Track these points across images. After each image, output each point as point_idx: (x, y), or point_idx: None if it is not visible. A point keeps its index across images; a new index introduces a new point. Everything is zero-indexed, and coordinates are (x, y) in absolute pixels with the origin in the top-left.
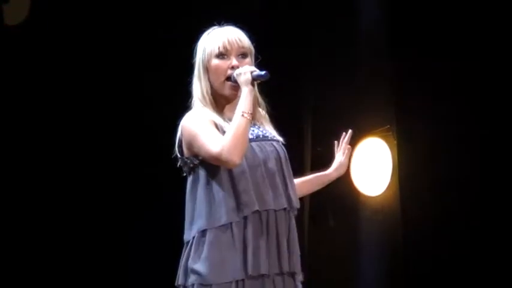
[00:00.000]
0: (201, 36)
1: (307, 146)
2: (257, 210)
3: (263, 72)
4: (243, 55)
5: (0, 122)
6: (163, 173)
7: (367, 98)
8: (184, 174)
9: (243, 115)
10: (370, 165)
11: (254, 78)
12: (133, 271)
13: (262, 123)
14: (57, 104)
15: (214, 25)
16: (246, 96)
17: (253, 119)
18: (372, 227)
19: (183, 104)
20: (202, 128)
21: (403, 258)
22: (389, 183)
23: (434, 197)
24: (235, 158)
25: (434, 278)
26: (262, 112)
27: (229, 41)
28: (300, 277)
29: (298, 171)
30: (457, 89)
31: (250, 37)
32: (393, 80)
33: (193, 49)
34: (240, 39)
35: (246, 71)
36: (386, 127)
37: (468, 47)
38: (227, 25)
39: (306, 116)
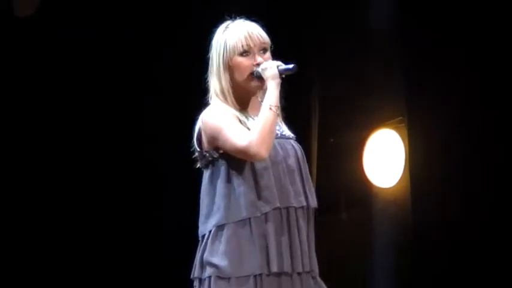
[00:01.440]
0: (213, 30)
1: (315, 138)
2: (278, 207)
3: (291, 66)
4: (264, 50)
5: (6, 115)
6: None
7: (380, 88)
8: (198, 166)
9: (270, 108)
10: (382, 157)
11: (281, 72)
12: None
13: (278, 123)
14: (66, 97)
15: (227, 19)
16: (273, 90)
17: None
18: (385, 218)
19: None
20: (227, 122)
21: (415, 250)
22: (402, 175)
23: (446, 189)
24: (263, 151)
25: (445, 270)
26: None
27: (252, 37)
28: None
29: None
30: (471, 80)
31: (264, 24)
32: (406, 71)
33: (208, 44)
34: (261, 35)
35: (272, 65)
36: (399, 118)
37: (482, 37)
38: (239, 18)
39: (315, 107)
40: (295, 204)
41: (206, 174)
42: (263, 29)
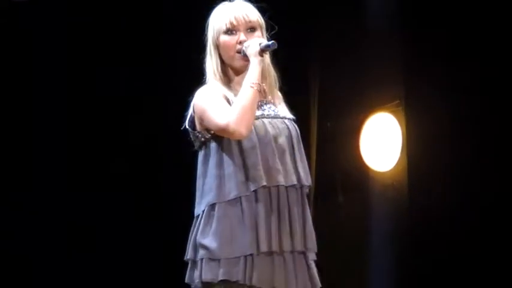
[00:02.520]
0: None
1: (314, 121)
2: (266, 186)
3: (270, 42)
4: (251, 29)
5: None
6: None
7: (377, 72)
8: (195, 149)
9: (250, 86)
10: (379, 141)
11: (262, 49)
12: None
13: (275, 102)
14: (64, 80)
15: (225, 0)
16: (254, 67)
17: (266, 96)
18: (382, 202)
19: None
20: (212, 101)
21: (412, 234)
22: (399, 159)
23: (443, 173)
24: (242, 128)
25: (443, 253)
26: (277, 92)
27: (236, 16)
28: (312, 255)
29: (305, 146)
30: (469, 65)
31: (261, 8)
32: (403, 54)
33: (204, 26)
34: (247, 14)
35: (255, 43)
36: (396, 102)
37: (481, 21)
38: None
39: (313, 91)
40: (283, 183)
41: (200, 155)
42: (262, 10)
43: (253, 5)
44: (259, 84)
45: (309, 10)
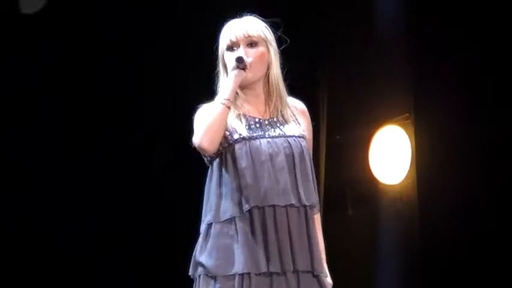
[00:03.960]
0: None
1: (323, 134)
2: (259, 206)
3: (236, 56)
4: (252, 44)
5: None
6: None
7: (386, 85)
8: (207, 165)
9: (220, 102)
10: (389, 154)
11: (236, 64)
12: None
13: (285, 120)
14: (72, 94)
15: (235, 17)
16: (228, 82)
17: (273, 115)
18: (391, 215)
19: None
20: (199, 119)
21: (421, 247)
22: (408, 172)
23: (452, 186)
24: (204, 143)
25: (452, 267)
26: (288, 108)
27: (235, 33)
28: (325, 278)
29: (314, 159)
30: (477, 77)
31: (274, 23)
32: (412, 67)
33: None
34: (246, 30)
35: (233, 58)
36: (405, 115)
37: (489, 33)
38: (246, 15)
39: (322, 104)
40: (279, 203)
41: (209, 172)
42: (271, 26)
43: (265, 20)
44: (229, 100)
45: (318, 23)
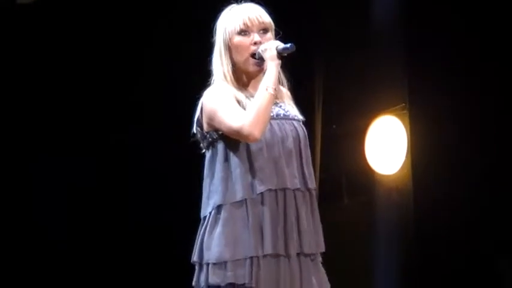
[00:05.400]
0: (219, 14)
1: (319, 124)
2: (272, 189)
3: (288, 45)
4: (264, 30)
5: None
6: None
7: (382, 75)
8: (203, 151)
9: (267, 89)
10: (384, 144)
11: (279, 52)
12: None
13: (284, 102)
14: (70, 84)
15: (233, 3)
16: (271, 71)
17: (276, 97)
18: (386, 205)
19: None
20: (224, 102)
21: (417, 237)
22: (404, 162)
23: (447, 176)
24: (256, 132)
25: (447, 257)
26: (284, 90)
27: (250, 17)
28: (320, 258)
29: (310, 149)
30: (472, 67)
31: (268, 11)
32: (408, 57)
33: (213, 28)
34: (260, 15)
35: (271, 46)
36: (401, 105)
37: (486, 24)
38: (245, 2)
39: (318, 94)
40: (290, 186)
41: (207, 156)
42: (269, 14)
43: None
44: (274, 88)
45: (314, 13)
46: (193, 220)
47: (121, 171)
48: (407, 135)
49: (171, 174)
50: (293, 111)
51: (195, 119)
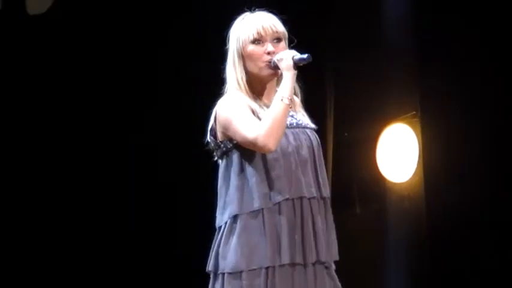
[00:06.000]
0: (233, 23)
1: (330, 131)
2: (289, 198)
3: (305, 55)
4: (278, 39)
5: (20, 112)
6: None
7: (393, 83)
8: (215, 159)
9: (282, 100)
10: (396, 152)
11: (296, 62)
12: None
13: (296, 111)
14: (82, 94)
15: (246, 11)
16: (287, 81)
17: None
18: (398, 213)
19: (219, 90)
20: (238, 112)
21: (428, 245)
22: (416, 170)
23: (459, 184)
24: (271, 143)
25: (459, 265)
26: (297, 99)
27: (264, 26)
28: (333, 266)
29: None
30: (484, 75)
31: (281, 20)
32: (420, 65)
33: (226, 36)
34: (274, 24)
35: (287, 56)
36: (412, 113)
37: (499, 33)
38: (259, 11)
39: (329, 101)
40: (306, 195)
41: (221, 165)
42: (282, 22)
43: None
44: (290, 99)
45: (325, 20)
46: (203, 229)
47: (129, 177)
48: (419, 143)
49: (183, 182)
50: (305, 119)
51: (209, 128)
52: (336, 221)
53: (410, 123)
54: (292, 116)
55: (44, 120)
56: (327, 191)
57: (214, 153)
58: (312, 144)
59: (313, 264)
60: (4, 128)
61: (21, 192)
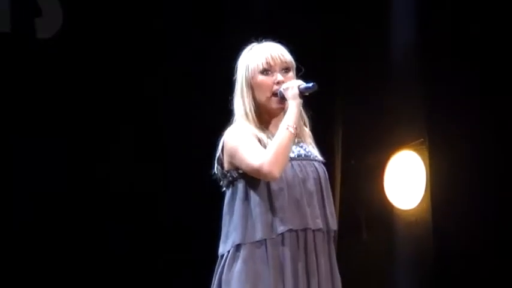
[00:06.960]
0: (241, 53)
1: (338, 159)
2: (292, 229)
3: (310, 84)
4: (286, 69)
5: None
6: None
7: (400, 110)
8: (223, 189)
9: (287, 128)
10: (403, 179)
11: (302, 91)
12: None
13: (305, 142)
14: (91, 116)
15: (253, 42)
16: (292, 110)
17: (297, 136)
18: (406, 240)
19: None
20: (245, 141)
21: (436, 272)
22: (423, 197)
23: (467, 211)
24: (275, 170)
25: None
26: (306, 130)
27: (272, 56)
28: None
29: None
30: (490, 102)
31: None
32: (427, 92)
33: (234, 66)
34: (282, 54)
35: (293, 85)
36: (419, 140)
37: (506, 58)
38: (266, 41)
39: (337, 129)
40: (311, 226)
41: (227, 194)
42: (290, 52)
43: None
44: (295, 127)
45: (333, 49)
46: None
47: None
48: (426, 170)
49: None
50: (314, 151)
51: (216, 157)
52: (343, 247)
53: (417, 151)
54: (301, 147)
55: (55, 144)
56: (334, 225)
57: (221, 183)
58: (319, 177)
59: None
60: (11, 152)
61: None
